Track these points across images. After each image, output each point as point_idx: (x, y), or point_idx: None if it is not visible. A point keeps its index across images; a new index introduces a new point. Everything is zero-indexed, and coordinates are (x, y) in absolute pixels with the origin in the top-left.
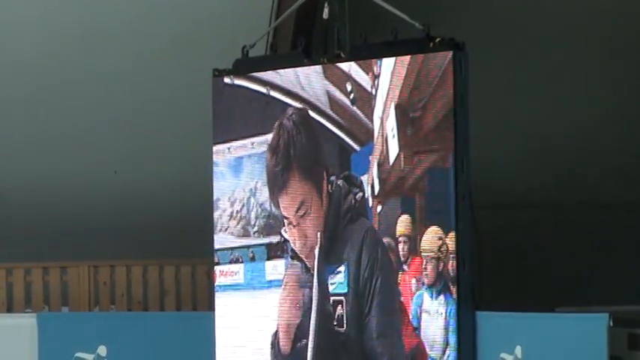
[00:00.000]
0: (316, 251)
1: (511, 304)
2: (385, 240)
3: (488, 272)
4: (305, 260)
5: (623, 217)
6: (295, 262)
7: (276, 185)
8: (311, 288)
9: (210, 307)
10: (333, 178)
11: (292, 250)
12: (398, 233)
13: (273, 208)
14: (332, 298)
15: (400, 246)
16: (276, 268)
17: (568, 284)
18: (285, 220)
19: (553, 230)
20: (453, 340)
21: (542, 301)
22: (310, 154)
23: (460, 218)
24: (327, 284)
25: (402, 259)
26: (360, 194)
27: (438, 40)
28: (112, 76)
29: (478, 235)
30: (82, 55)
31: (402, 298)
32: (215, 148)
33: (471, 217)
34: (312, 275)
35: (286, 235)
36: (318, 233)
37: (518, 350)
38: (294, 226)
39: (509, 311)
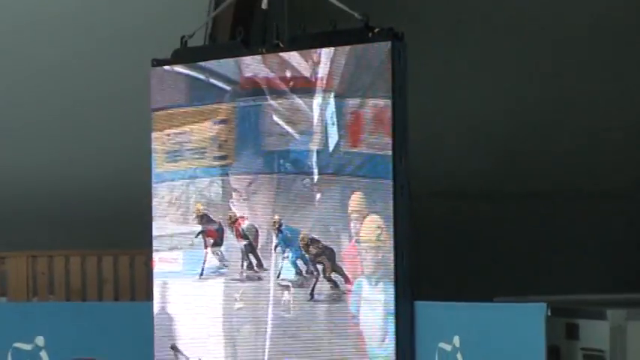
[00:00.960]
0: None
1: (449, 294)
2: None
3: (427, 262)
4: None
5: (562, 207)
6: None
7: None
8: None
9: (149, 296)
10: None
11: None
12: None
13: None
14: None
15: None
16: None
17: (507, 274)
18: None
19: (492, 220)
20: (391, 329)
21: (481, 291)
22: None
23: (399, 208)
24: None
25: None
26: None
27: (376, 30)
28: (51, 67)
29: (416, 224)
30: (20, 46)
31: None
32: (154, 135)
33: (410, 206)
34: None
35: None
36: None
37: (456, 340)
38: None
39: (447, 301)
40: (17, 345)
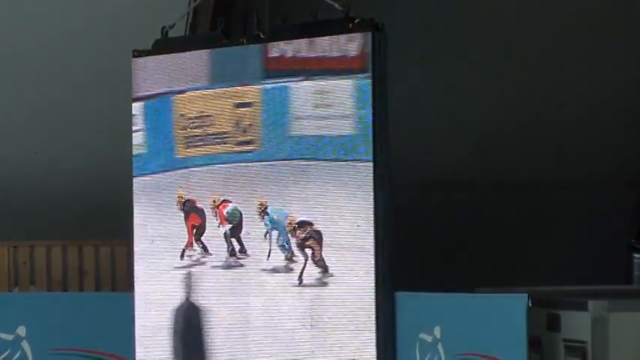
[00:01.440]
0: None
1: (430, 285)
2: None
3: (408, 252)
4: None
5: (545, 198)
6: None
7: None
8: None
9: (130, 287)
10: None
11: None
12: None
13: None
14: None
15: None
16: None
17: (488, 265)
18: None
19: (473, 210)
20: (371, 319)
21: (462, 282)
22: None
23: (379, 199)
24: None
25: None
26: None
27: (357, 21)
28: (31, 57)
29: (397, 214)
30: (1, 35)
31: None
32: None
33: (390, 196)
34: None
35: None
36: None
37: (437, 331)
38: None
39: (428, 291)
40: None
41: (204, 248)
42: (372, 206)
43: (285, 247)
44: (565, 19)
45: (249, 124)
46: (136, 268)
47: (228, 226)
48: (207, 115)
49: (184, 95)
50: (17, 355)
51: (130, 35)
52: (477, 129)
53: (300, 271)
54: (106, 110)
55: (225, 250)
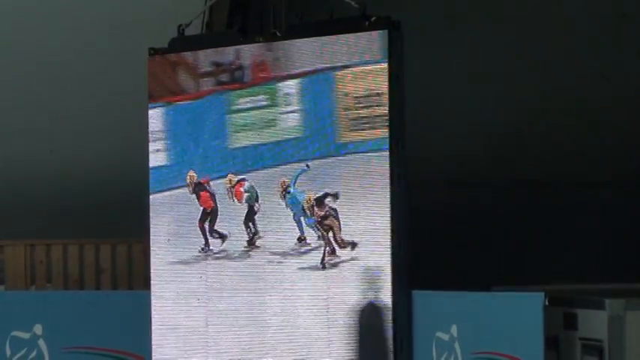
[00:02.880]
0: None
1: (447, 283)
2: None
3: (425, 251)
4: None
5: (562, 197)
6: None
7: None
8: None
9: (146, 285)
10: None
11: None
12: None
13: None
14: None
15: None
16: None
17: (505, 263)
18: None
19: (491, 209)
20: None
21: (479, 281)
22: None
23: (396, 197)
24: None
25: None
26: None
27: (373, 18)
28: (48, 55)
29: (414, 213)
30: (17, 33)
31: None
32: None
33: (407, 195)
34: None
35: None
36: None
37: (454, 329)
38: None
39: (445, 290)
40: (15, 333)
41: (221, 235)
42: (389, 204)
43: (302, 227)
44: (589, 14)
45: None
46: (152, 266)
47: (245, 208)
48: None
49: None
50: (34, 354)
51: (147, 34)
52: (500, 127)
53: (322, 255)
54: (123, 109)
55: (243, 238)
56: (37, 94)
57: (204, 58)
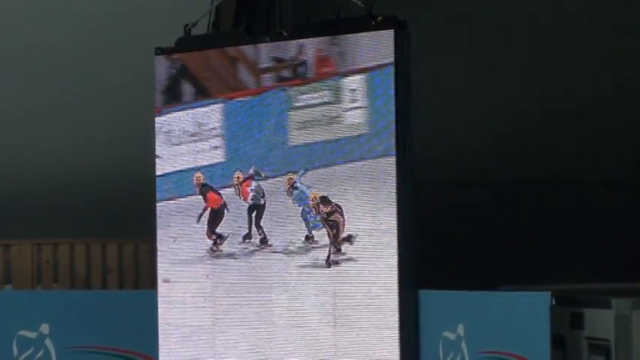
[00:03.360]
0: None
1: (454, 283)
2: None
3: (431, 250)
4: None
5: (568, 196)
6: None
7: None
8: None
9: (153, 285)
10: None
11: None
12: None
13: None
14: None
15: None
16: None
17: (511, 263)
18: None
19: (497, 208)
20: (395, 317)
21: (485, 280)
22: None
23: (402, 197)
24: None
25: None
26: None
27: (379, 18)
28: (53, 54)
29: (420, 212)
30: (22, 32)
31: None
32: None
33: (414, 195)
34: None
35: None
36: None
37: (460, 329)
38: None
39: (451, 289)
40: (22, 333)
41: (220, 237)
42: (395, 204)
43: (310, 224)
44: (592, 15)
45: None
46: (159, 265)
47: (251, 207)
48: None
49: None
50: (40, 353)
51: (154, 33)
52: (503, 126)
53: (327, 253)
54: (130, 108)
55: (246, 236)
56: (43, 93)
57: (265, 53)
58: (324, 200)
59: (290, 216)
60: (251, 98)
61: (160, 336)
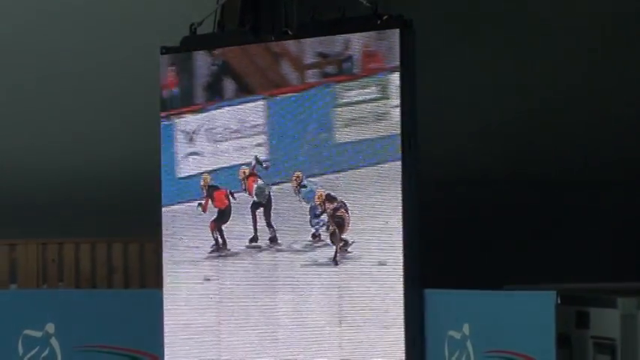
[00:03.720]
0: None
1: (459, 282)
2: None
3: (436, 249)
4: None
5: (574, 195)
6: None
7: None
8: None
9: (159, 284)
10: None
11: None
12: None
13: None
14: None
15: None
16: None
17: (517, 262)
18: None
19: (502, 207)
20: (400, 316)
21: (491, 279)
22: None
23: (407, 196)
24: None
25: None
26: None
27: (385, 17)
28: (59, 53)
29: (425, 211)
30: (29, 33)
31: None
32: (163, 123)
33: (419, 194)
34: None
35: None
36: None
37: (465, 328)
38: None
39: (456, 289)
40: (27, 332)
41: (223, 239)
42: (401, 203)
43: (317, 224)
44: (596, 15)
45: None
46: (164, 265)
47: (255, 204)
48: None
49: None
50: (46, 352)
51: (159, 32)
52: (509, 125)
53: (334, 252)
54: (135, 108)
55: (252, 239)
56: (48, 94)
57: (310, 48)
58: (330, 197)
59: (297, 215)
60: (295, 95)
61: (165, 335)
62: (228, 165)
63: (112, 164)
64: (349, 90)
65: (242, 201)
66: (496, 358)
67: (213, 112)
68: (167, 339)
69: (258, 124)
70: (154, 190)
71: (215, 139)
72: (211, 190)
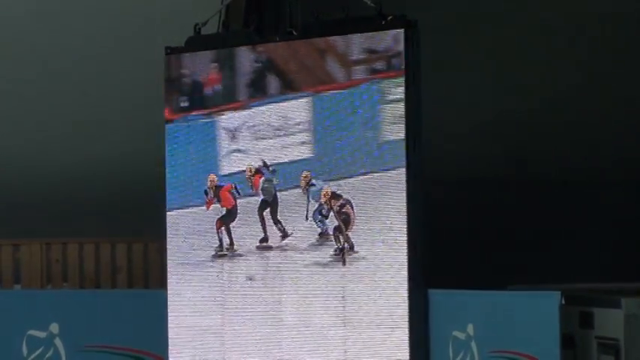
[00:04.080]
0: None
1: (463, 282)
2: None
3: (440, 249)
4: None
5: (577, 195)
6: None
7: None
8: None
9: (162, 284)
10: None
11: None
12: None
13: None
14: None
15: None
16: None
17: (521, 262)
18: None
19: (506, 208)
20: (405, 317)
21: (495, 280)
22: None
23: (411, 197)
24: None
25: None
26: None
27: (390, 17)
28: (63, 52)
29: (429, 212)
30: (33, 30)
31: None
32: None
33: (423, 195)
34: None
35: None
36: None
37: (470, 328)
38: None
39: (461, 289)
40: (32, 332)
41: (230, 239)
42: (405, 204)
43: (323, 222)
44: (600, 15)
45: None
46: (168, 266)
47: (262, 204)
48: None
49: None
50: (50, 353)
51: (164, 32)
52: (511, 126)
53: (340, 250)
54: (139, 108)
55: (258, 236)
56: (52, 94)
57: (357, 44)
58: (335, 195)
59: (303, 214)
60: (340, 92)
61: (169, 336)
62: (271, 163)
63: (115, 164)
64: (398, 86)
65: (249, 203)
66: (500, 358)
67: (256, 109)
68: (171, 339)
69: (302, 122)
70: (158, 190)
71: (257, 136)
72: (217, 190)
